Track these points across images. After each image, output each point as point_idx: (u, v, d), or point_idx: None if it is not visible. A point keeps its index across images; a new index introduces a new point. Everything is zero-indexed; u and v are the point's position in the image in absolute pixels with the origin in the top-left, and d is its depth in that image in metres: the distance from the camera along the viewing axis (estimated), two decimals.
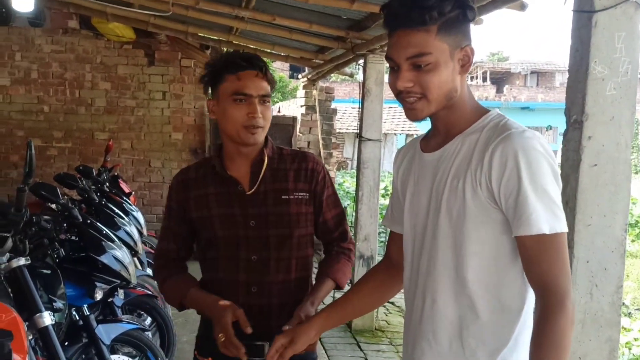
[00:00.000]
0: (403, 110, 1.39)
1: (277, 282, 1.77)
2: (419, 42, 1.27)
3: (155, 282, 1.90)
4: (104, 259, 2.88)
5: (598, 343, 1.99)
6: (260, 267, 1.76)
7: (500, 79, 36.79)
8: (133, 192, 5.32)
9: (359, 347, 4.65)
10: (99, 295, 2.82)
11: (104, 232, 3.06)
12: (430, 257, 1.38)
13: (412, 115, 1.35)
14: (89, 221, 3.04)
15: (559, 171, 1.28)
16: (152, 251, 4.85)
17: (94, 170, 4.42)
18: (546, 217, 1.20)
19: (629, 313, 6.10)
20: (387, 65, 1.41)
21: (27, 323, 2.28)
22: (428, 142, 1.45)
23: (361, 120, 4.91)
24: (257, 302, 1.75)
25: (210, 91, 1.81)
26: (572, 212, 1.96)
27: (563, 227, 1.22)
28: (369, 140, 4.83)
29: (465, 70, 1.34)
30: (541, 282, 1.22)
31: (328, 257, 1.89)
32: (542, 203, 1.20)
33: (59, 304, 2.47)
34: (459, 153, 1.34)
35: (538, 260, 1.22)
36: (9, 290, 2.26)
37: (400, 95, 1.33)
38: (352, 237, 2.00)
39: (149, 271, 4.41)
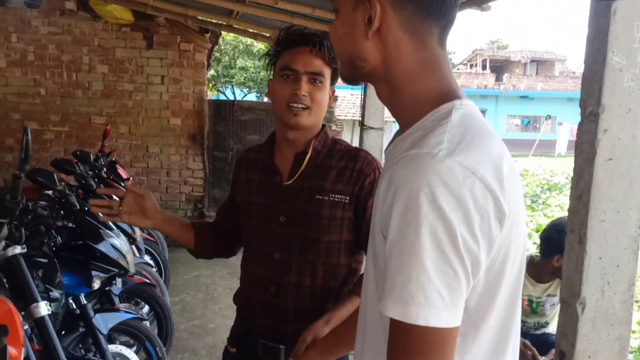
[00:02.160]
0: None
1: (296, 285, 1.63)
2: None
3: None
4: (102, 247, 2.84)
5: (608, 342, 1.95)
6: (282, 267, 1.63)
7: (499, 67, 36.70)
8: (131, 178, 5.25)
9: None
10: (96, 285, 2.78)
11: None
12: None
13: None
14: (86, 208, 2.98)
15: (477, 230, 0.82)
16: (151, 238, 4.81)
17: (91, 156, 4.35)
18: (401, 296, 0.81)
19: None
20: None
21: (22, 313, 2.24)
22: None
23: (363, 108, 4.85)
24: (274, 302, 1.64)
25: (271, 73, 1.71)
26: (586, 207, 1.91)
27: (433, 320, 0.80)
28: (371, 128, 4.78)
29: (371, 28, 0.94)
30: None
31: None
32: (404, 274, 0.81)
33: (55, 293, 2.42)
34: (385, 167, 1.00)
35: (389, 346, 0.86)
36: (4, 280, 2.21)
37: None
38: None
39: (147, 259, 4.37)
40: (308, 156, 1.64)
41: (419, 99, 0.95)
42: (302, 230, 1.61)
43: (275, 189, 1.66)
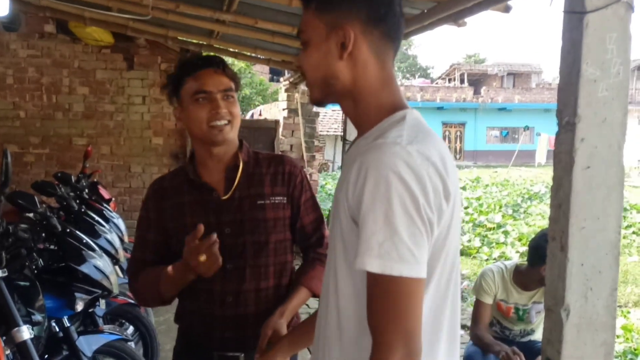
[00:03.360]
0: None
1: (253, 290, 1.71)
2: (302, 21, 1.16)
3: (129, 284, 1.79)
4: (85, 268, 2.80)
5: (593, 347, 1.97)
6: (236, 276, 1.70)
7: (477, 81, 37.17)
8: (113, 198, 5.21)
9: None
10: (79, 307, 2.74)
11: (84, 240, 2.97)
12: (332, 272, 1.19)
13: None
14: (68, 230, 2.95)
15: (432, 201, 1.02)
16: None
17: (72, 177, 4.31)
18: (379, 253, 0.98)
19: None
20: None
21: (4, 338, 2.21)
22: None
23: (345, 123, 4.88)
24: (233, 312, 1.69)
25: (175, 101, 1.75)
26: (566, 215, 1.94)
27: (405, 271, 0.97)
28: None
29: (344, 52, 1.11)
30: (370, 325, 1.02)
31: (304, 264, 1.83)
32: (380, 235, 0.98)
33: (37, 316, 2.39)
34: (346, 163, 1.17)
35: (369, 301, 1.02)
36: None
37: None
38: None
39: None
40: (240, 167, 1.73)
41: (379, 109, 1.14)
42: (252, 236, 1.70)
43: (214, 205, 1.71)
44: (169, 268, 1.66)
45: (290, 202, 1.77)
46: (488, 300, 3.06)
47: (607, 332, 1.92)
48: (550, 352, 1.88)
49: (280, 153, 1.85)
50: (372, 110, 1.15)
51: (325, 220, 1.86)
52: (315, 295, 1.77)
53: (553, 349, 1.87)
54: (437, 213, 1.03)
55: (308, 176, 7.63)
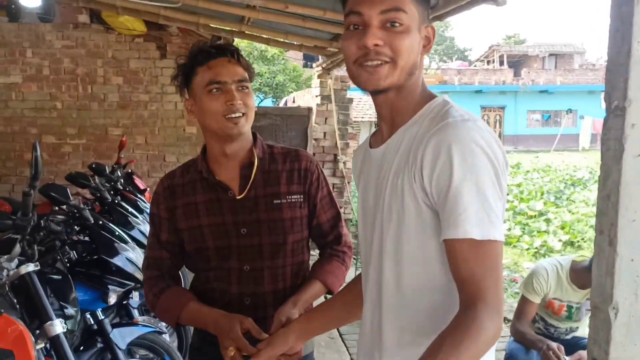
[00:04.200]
0: (360, 78, 1.19)
1: (272, 292, 1.66)
2: None
3: (148, 291, 1.72)
4: (117, 261, 2.80)
5: None
6: (253, 278, 1.65)
7: (517, 63, 36.31)
8: (148, 188, 5.24)
9: None
10: (112, 299, 2.75)
11: (117, 232, 2.98)
12: (376, 267, 1.25)
13: (374, 80, 1.17)
14: (100, 222, 2.96)
15: (503, 171, 1.12)
16: None
17: (107, 168, 4.34)
18: (477, 221, 1.05)
19: None
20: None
21: (38, 331, 2.21)
22: (376, 137, 1.33)
23: None
24: (251, 314, 1.61)
25: (186, 92, 1.68)
26: (615, 206, 1.81)
27: (498, 236, 1.07)
28: None
29: (426, 50, 1.21)
30: (471, 291, 1.06)
31: (320, 260, 1.77)
32: (475, 204, 1.05)
33: (70, 310, 2.39)
34: (399, 148, 1.20)
35: (468, 268, 1.06)
36: (15, 300, 2.18)
37: (364, 57, 1.15)
38: (351, 239, 1.86)
39: None
40: (256, 165, 1.66)
41: (422, 96, 1.23)
42: (269, 237, 1.64)
43: (229, 204, 1.64)
44: (199, 308, 1.60)
45: (307, 200, 1.71)
46: (536, 299, 2.91)
47: None
48: (597, 353, 1.77)
49: (296, 148, 1.77)
50: (416, 98, 1.22)
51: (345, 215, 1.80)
52: (329, 291, 1.72)
53: (600, 350, 1.76)
54: (505, 181, 1.12)
55: (342, 164, 7.50)
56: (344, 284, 1.66)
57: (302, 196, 1.69)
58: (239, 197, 1.64)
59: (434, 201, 1.10)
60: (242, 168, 1.67)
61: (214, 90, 1.58)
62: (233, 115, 1.58)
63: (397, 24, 1.14)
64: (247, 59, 1.71)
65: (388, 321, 1.23)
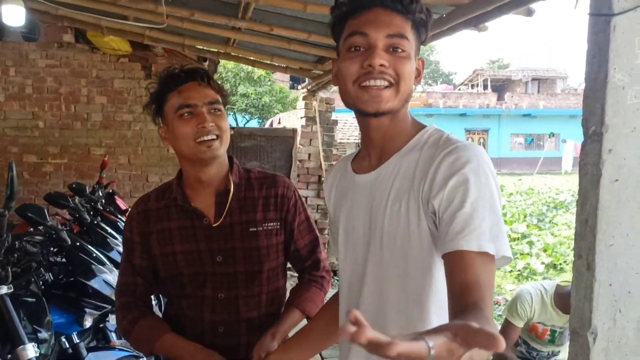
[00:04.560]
0: (360, 99, 1.20)
1: (246, 320, 1.64)
2: (401, 26, 1.18)
3: (122, 318, 1.68)
4: (94, 283, 2.75)
5: None
6: (228, 306, 1.62)
7: (501, 87, 36.79)
8: (129, 209, 5.18)
9: None
10: (88, 323, 2.69)
11: (94, 254, 2.93)
12: (374, 293, 1.24)
13: (376, 103, 1.17)
14: (78, 243, 2.91)
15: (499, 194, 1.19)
16: None
17: (87, 188, 4.29)
18: (492, 237, 1.09)
19: None
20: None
21: (9, 356, 2.15)
22: (360, 163, 1.33)
23: None
24: (225, 342, 1.61)
25: (160, 120, 1.66)
26: (593, 231, 1.82)
27: (508, 252, 1.13)
28: None
29: (417, 81, 1.24)
30: (473, 298, 1.05)
31: (298, 286, 1.76)
32: (489, 221, 1.10)
33: (44, 334, 2.33)
34: (397, 174, 1.21)
35: (474, 278, 1.06)
36: None
37: (366, 76, 1.16)
38: (328, 264, 1.85)
39: None
40: (232, 191, 1.63)
41: (413, 123, 1.27)
42: (244, 266, 1.61)
43: (204, 232, 1.61)
44: (175, 340, 1.58)
45: (284, 227, 1.69)
46: (520, 324, 2.90)
47: (638, 357, 1.80)
48: None
49: (273, 173, 1.77)
50: (408, 126, 1.26)
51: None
52: (308, 317, 1.70)
53: None
54: None
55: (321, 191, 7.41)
56: None
57: (278, 223, 1.67)
58: (214, 225, 1.62)
59: (439, 217, 1.12)
60: (217, 195, 1.64)
61: (185, 114, 1.56)
62: (205, 138, 1.55)
63: (399, 50, 1.17)
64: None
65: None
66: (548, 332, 2.93)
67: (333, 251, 1.49)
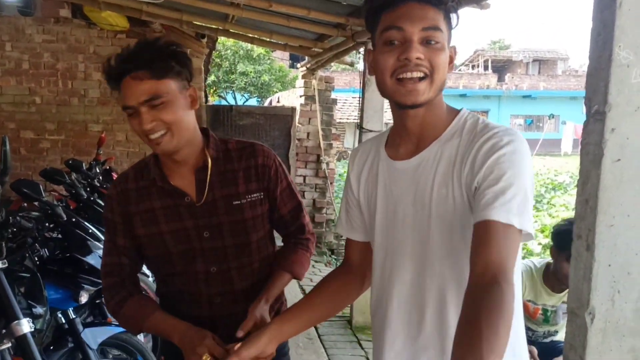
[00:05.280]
0: (397, 93, 1.26)
1: (242, 290, 1.65)
2: (435, 18, 1.23)
3: (110, 299, 1.65)
4: (90, 259, 2.74)
5: (620, 354, 1.84)
6: (221, 278, 1.63)
7: (501, 67, 36.62)
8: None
9: (360, 344, 4.51)
10: (84, 299, 2.68)
11: (90, 230, 2.91)
12: (423, 271, 1.31)
13: (413, 96, 1.24)
14: (73, 219, 2.89)
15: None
16: None
17: (84, 164, 4.26)
18: (519, 212, 1.17)
19: None
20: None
21: (4, 331, 2.15)
22: (397, 149, 1.37)
23: (362, 110, 4.75)
24: (222, 312, 1.62)
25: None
26: (593, 211, 1.79)
27: (531, 229, 1.21)
28: (370, 131, 4.67)
29: (450, 68, 1.30)
30: (495, 269, 1.13)
31: (284, 249, 1.76)
32: (520, 198, 1.18)
33: (39, 309, 2.33)
34: (440, 160, 1.28)
35: (498, 249, 1.15)
36: None
37: (402, 69, 1.22)
38: (312, 227, 1.87)
39: (144, 268, 4.28)
40: (210, 166, 1.60)
41: (446, 112, 1.33)
42: (232, 239, 1.61)
43: (188, 209, 1.59)
44: (165, 319, 1.56)
45: (267, 196, 1.68)
46: None
47: (635, 338, 1.79)
48: (573, 358, 1.76)
49: (251, 141, 1.73)
50: (443, 113, 1.32)
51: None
52: (296, 278, 1.74)
53: (576, 355, 1.75)
54: None
55: (325, 165, 7.45)
56: (308, 269, 1.75)
57: (262, 193, 1.66)
58: (197, 204, 1.59)
59: (478, 183, 1.20)
60: (196, 172, 1.60)
61: (131, 114, 1.50)
62: (152, 137, 1.49)
63: (433, 42, 1.22)
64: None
65: (450, 321, 1.28)
66: (540, 312, 2.93)
67: (345, 229, 1.51)
